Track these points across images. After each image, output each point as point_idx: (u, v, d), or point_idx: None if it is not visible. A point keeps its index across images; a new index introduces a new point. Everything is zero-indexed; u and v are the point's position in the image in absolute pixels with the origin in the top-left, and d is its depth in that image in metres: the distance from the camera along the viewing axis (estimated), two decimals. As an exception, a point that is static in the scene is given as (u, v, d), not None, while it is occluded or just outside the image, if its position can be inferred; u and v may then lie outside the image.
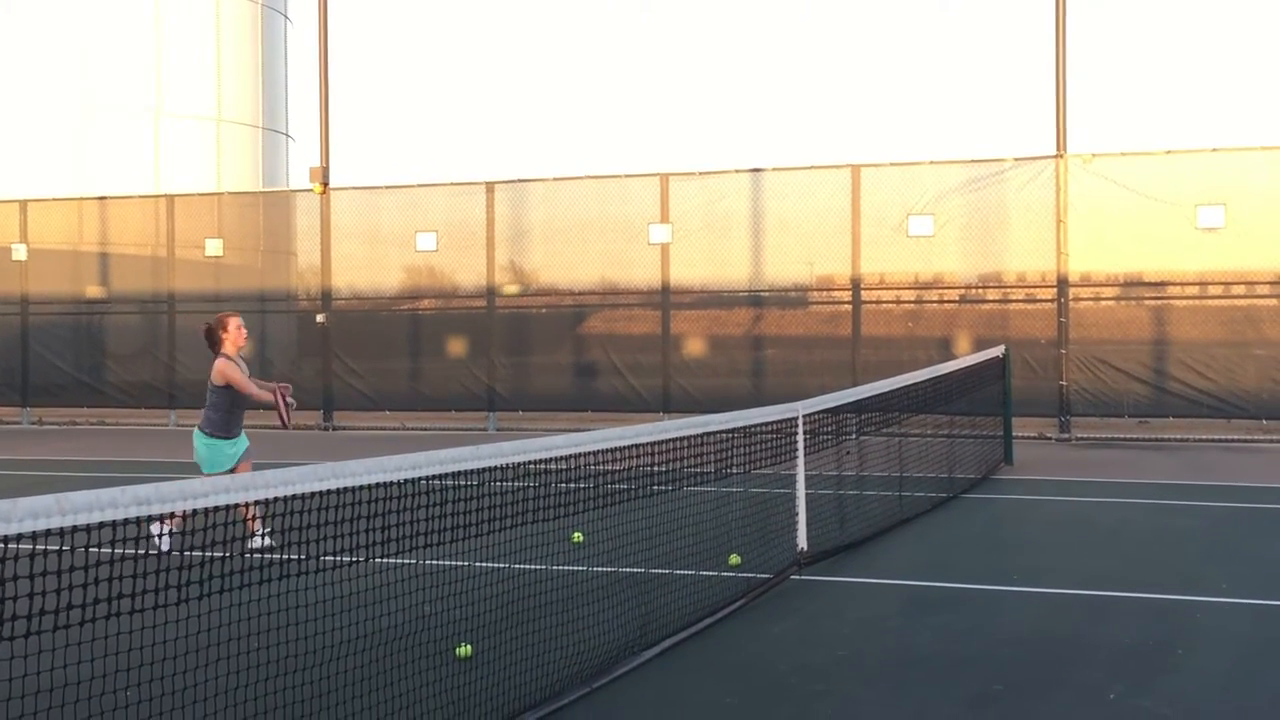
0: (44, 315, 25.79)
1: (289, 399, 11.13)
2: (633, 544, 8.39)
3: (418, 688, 6.24)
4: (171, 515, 5.13)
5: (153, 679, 5.03)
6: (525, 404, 23.03)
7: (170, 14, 33.54)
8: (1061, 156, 20.32)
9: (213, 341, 11.27)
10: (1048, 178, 20.37)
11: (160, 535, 9.26)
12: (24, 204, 26.02)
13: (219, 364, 11.12)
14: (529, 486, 6.96)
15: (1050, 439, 20.13)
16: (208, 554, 5.05)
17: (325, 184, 23.78)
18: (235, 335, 11.21)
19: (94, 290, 26.02)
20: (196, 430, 11.24)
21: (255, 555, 5.45)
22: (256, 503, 5.20)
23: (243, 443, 11.32)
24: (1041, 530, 12.27)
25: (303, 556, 5.77)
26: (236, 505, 5.01)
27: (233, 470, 11.09)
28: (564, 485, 7.25)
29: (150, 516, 4.56)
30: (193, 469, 11.30)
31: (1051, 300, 20.52)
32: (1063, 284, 20.42)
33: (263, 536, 9.41)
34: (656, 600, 8.27)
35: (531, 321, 23.71)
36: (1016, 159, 20.66)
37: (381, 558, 5.91)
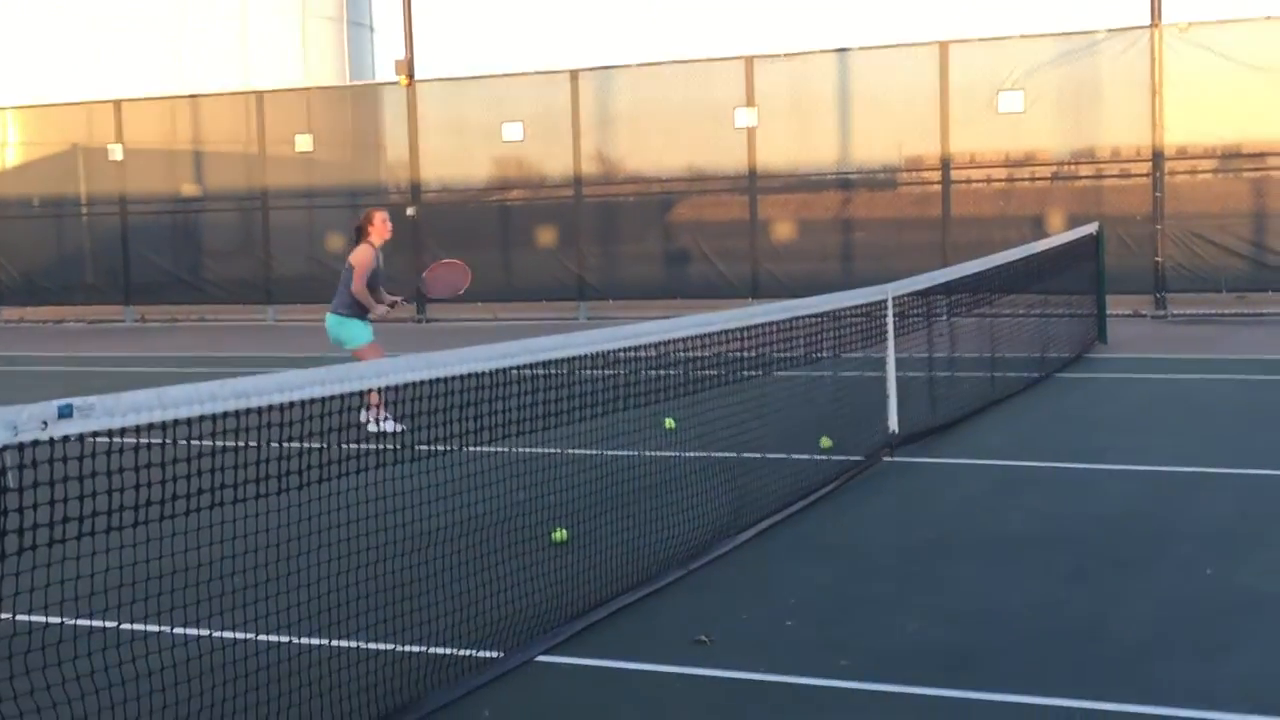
0: (142, 214, 26.14)
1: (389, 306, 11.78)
2: (724, 429, 8.44)
3: (515, 571, 6.36)
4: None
5: (256, 565, 5.17)
6: (615, 292, 23.07)
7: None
8: (1157, 26, 19.78)
9: (361, 234, 11.75)
10: (1142, 48, 19.86)
11: (375, 420, 10.27)
12: (118, 104, 26.27)
13: (362, 247, 11.65)
14: (620, 374, 7.03)
15: (1145, 316, 19.84)
16: (305, 445, 5.16)
17: (410, 76, 23.78)
18: (381, 228, 11.74)
19: (189, 188, 26.34)
20: (329, 314, 11.62)
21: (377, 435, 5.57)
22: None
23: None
24: (1136, 408, 12.17)
25: (397, 446, 5.88)
26: (333, 396, 5.10)
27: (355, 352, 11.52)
28: (655, 372, 7.31)
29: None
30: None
31: (1146, 175, 20.12)
32: (1158, 158, 19.99)
33: (380, 421, 10.02)
34: (749, 484, 8.33)
35: (619, 210, 23.68)
36: (1110, 30, 20.16)
37: (475, 446, 6.00)
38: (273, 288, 24.99)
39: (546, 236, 23.83)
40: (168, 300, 25.87)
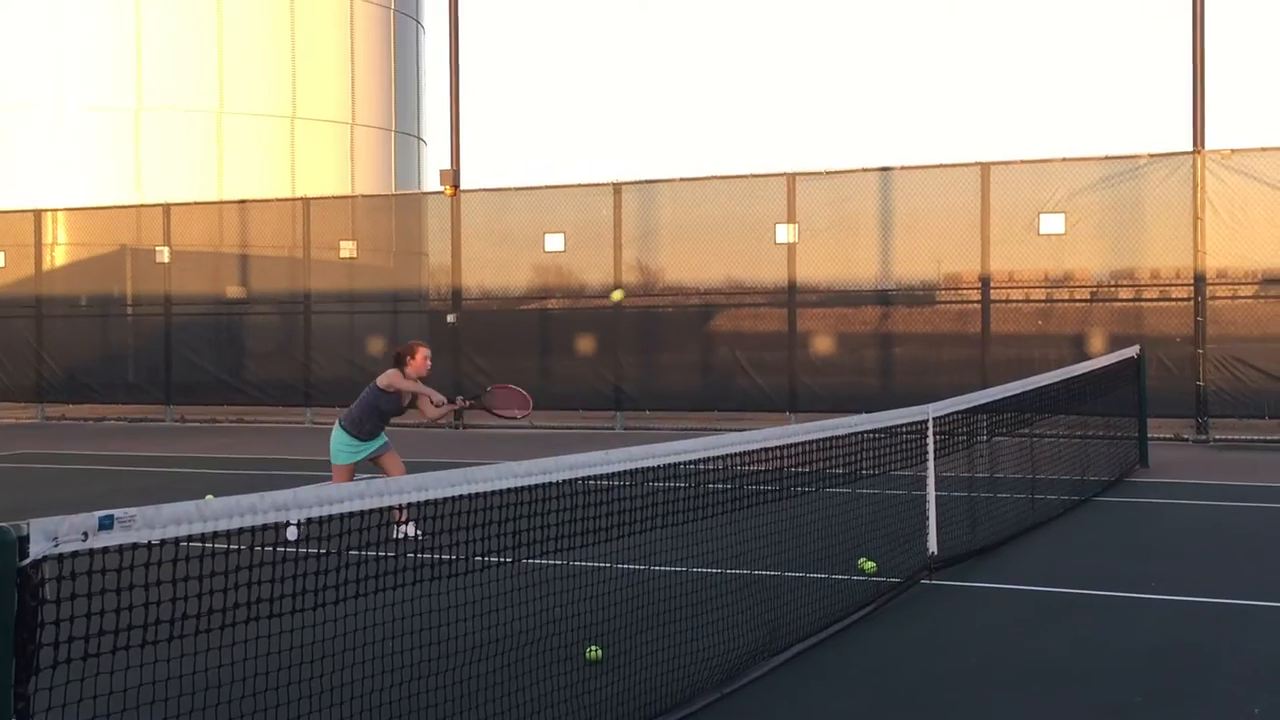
0: (186, 315, 26.41)
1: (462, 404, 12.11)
2: (762, 547, 8.36)
3: (549, 691, 6.29)
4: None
5: (290, 682, 5.13)
6: (652, 403, 23.07)
7: (304, 21, 34.16)
8: (1199, 152, 19.85)
9: (399, 360, 11.60)
10: (1184, 173, 19.91)
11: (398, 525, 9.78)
12: (167, 208, 26.65)
13: (393, 372, 11.49)
14: (657, 489, 6.98)
15: (1187, 440, 19.69)
16: (344, 558, 5.15)
17: (455, 186, 24.06)
18: (420, 364, 11.56)
19: (233, 291, 26.61)
20: (337, 422, 11.61)
21: (401, 543, 5.63)
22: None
23: (379, 440, 11.62)
24: (1179, 535, 12.02)
25: (434, 560, 5.85)
26: (375, 510, 5.11)
27: (376, 462, 11.45)
28: (692, 488, 7.26)
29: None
30: (325, 466, 11.60)
31: (1188, 298, 20.06)
32: (1200, 281, 19.94)
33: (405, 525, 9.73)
34: (786, 604, 8.24)
35: (658, 320, 23.75)
36: (1152, 155, 20.23)
37: (512, 561, 5.96)
38: (312, 390, 25.10)
39: (584, 345, 23.90)
40: (208, 400, 26.03)
